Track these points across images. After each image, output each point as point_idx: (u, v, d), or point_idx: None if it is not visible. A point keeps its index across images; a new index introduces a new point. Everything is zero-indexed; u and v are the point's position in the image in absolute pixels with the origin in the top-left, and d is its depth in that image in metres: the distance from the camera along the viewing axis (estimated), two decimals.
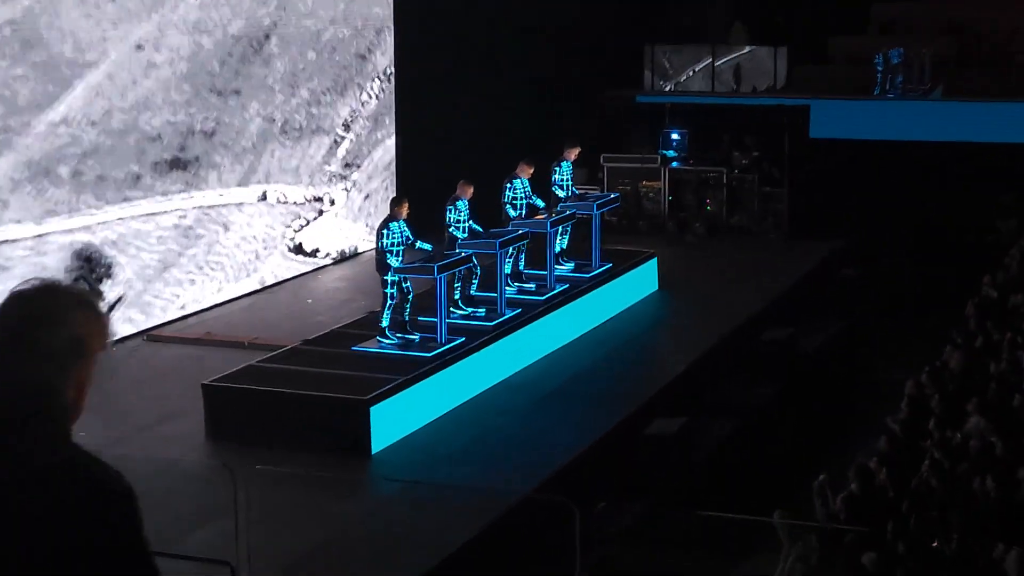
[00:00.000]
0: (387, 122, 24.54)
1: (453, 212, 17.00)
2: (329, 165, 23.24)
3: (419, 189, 20.23)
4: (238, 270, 21.14)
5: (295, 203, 22.50)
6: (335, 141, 23.31)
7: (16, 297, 3.06)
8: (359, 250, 23.52)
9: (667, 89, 28.93)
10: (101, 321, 3.13)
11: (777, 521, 12.40)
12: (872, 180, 25.24)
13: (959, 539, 11.43)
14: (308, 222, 22.86)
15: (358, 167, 23.94)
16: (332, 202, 23.38)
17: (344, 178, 23.61)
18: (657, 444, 15.57)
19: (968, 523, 11.71)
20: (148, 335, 18.73)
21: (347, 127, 23.52)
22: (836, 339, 20.93)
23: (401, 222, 15.98)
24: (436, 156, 23.06)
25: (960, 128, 24.83)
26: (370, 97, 23.94)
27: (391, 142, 24.49)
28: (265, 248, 21.78)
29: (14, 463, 2.94)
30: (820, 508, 12.92)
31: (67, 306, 3.06)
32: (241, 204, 21.16)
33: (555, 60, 25.86)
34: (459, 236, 17.03)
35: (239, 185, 21.14)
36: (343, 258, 23.42)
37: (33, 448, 2.98)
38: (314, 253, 22.99)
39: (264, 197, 21.69)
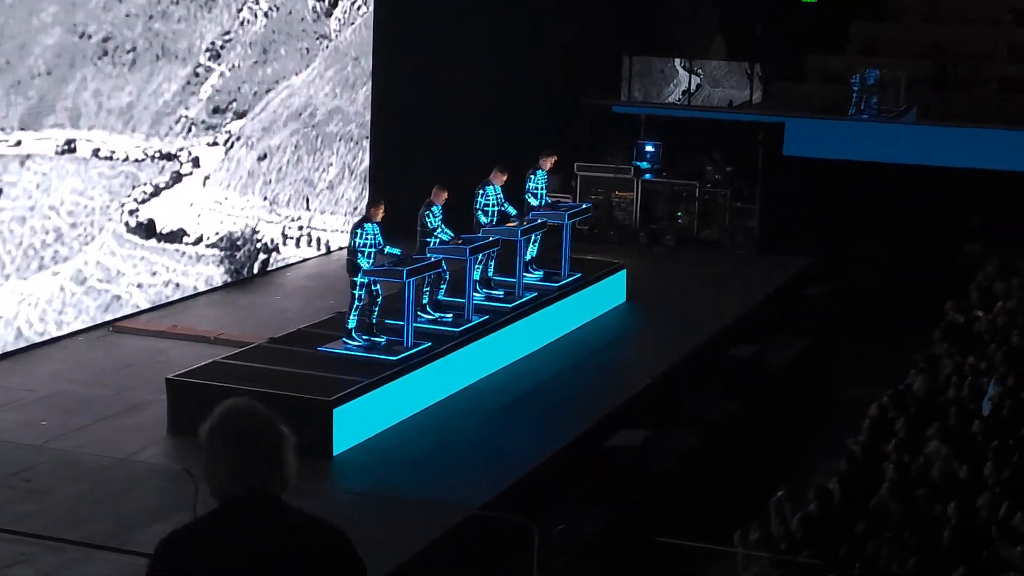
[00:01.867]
0: (283, 53, 20.39)
1: (431, 218, 16.99)
2: (186, 108, 18.75)
3: (392, 192, 20.22)
4: (24, 258, 16.81)
5: (128, 160, 17.71)
6: (194, 74, 18.75)
7: (233, 411, 4.16)
8: (266, 240, 21.34)
9: (642, 100, 28.98)
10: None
11: (736, 547, 12.42)
12: (843, 199, 25.37)
13: (916, 563, 11.49)
14: (157, 190, 18.38)
15: (239, 115, 19.96)
16: (196, 162, 19.21)
17: (213, 128, 19.19)
18: (620, 456, 15.59)
19: (925, 547, 11.77)
20: (114, 326, 18.66)
21: (215, 55, 19.15)
22: (801, 357, 21.01)
23: (375, 224, 15.96)
24: (410, 160, 23.05)
25: (932, 152, 24.95)
26: (254, 17, 19.36)
27: (297, 83, 20.52)
28: (76, 225, 17.36)
29: (272, 525, 4.08)
30: (777, 525, 12.96)
31: (266, 418, 4.18)
32: (28, 157, 16.51)
33: (533, 67, 25.87)
34: (441, 238, 17.01)
35: (22, 128, 16.38)
36: (229, 248, 20.09)
37: (280, 513, 4.11)
38: (178, 237, 18.94)
39: (71, 148, 16.89)
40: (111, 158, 17.57)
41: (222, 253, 20.58)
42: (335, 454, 14.62)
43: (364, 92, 23.77)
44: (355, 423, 14.94)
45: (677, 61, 29.31)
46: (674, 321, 20.27)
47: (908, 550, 11.74)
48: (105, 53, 17.08)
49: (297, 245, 22.57)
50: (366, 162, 24.10)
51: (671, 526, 13.95)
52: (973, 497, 12.52)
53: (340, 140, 23.33)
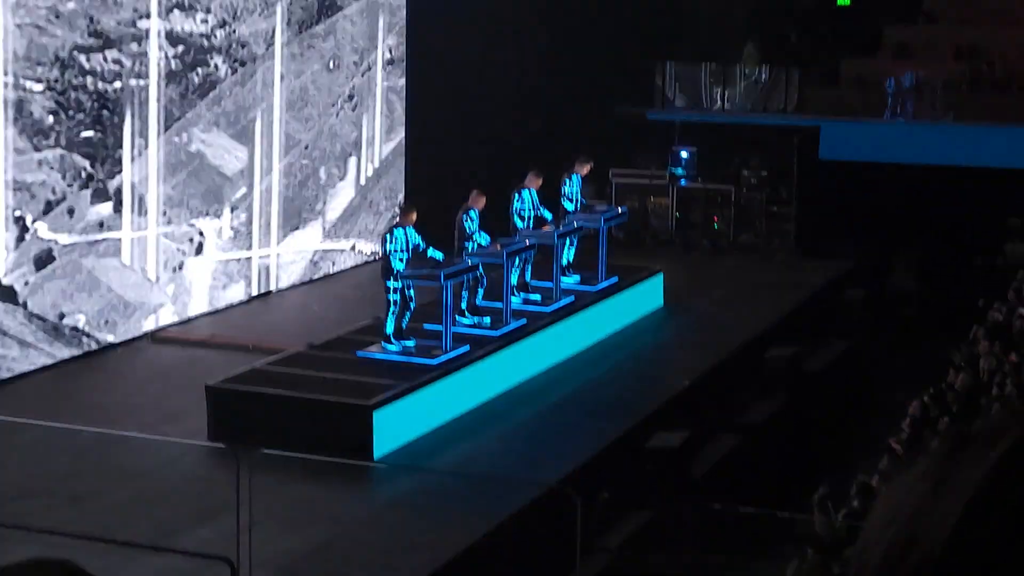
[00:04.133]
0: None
1: (469, 222, 17.02)
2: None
3: (427, 196, 20.26)
4: None
5: None
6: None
7: None
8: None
9: (679, 106, 28.95)
10: None
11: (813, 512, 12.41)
12: (880, 202, 25.26)
13: None
14: None
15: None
16: None
17: None
18: (659, 457, 15.57)
19: None
20: (153, 336, 18.76)
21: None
22: (840, 359, 20.93)
23: (409, 229, 15.99)
24: (446, 165, 23.08)
25: (969, 152, 24.84)
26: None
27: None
28: None
29: None
30: (821, 521, 12.91)
31: None
32: None
33: (568, 73, 25.89)
34: (479, 243, 17.03)
35: None
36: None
37: None
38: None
39: None
40: None
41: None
42: (376, 458, 14.65)
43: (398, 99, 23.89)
44: (395, 427, 14.97)
45: (710, 76, 29.24)
46: (711, 324, 20.23)
47: None
48: None
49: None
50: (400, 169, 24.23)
51: (712, 525, 13.93)
52: None
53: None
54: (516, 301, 18.16)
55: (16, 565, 2.47)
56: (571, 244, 19.60)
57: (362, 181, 23.44)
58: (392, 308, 16.14)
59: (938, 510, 1.08)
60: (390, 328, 16.24)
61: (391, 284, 16.02)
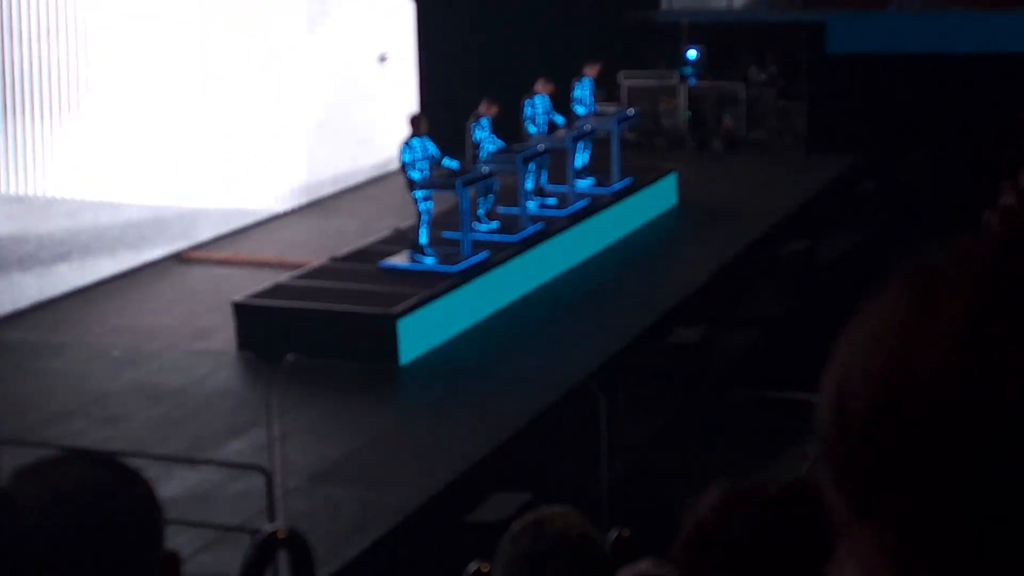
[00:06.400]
0: None
1: (479, 130, 17.19)
2: None
3: (440, 108, 20.38)
4: None
5: None
6: None
7: None
8: None
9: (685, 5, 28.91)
10: None
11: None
12: (891, 94, 25.27)
13: None
14: None
15: None
16: None
17: None
18: (679, 352, 15.82)
19: None
20: (179, 256, 19.00)
21: None
22: (855, 251, 21.09)
23: (425, 138, 16.16)
24: (456, 75, 23.15)
25: (980, 39, 24.77)
26: None
27: None
28: None
29: None
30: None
31: None
32: None
33: None
34: (489, 150, 17.22)
35: None
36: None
37: None
38: None
39: None
40: None
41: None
42: (401, 364, 14.94)
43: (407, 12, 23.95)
44: (419, 334, 15.24)
45: None
46: (726, 221, 20.39)
47: None
48: None
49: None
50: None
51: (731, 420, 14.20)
52: None
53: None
54: (532, 206, 18.37)
55: (59, 457, 2.59)
56: (584, 147, 19.77)
57: None
58: (424, 217, 16.31)
59: (930, 327, 0.98)
60: (424, 239, 16.41)
61: (419, 194, 16.18)
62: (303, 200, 21.52)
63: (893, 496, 0.96)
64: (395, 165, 17.41)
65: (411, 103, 24.02)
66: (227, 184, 20.09)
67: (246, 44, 20.27)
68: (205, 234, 19.60)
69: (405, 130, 16.44)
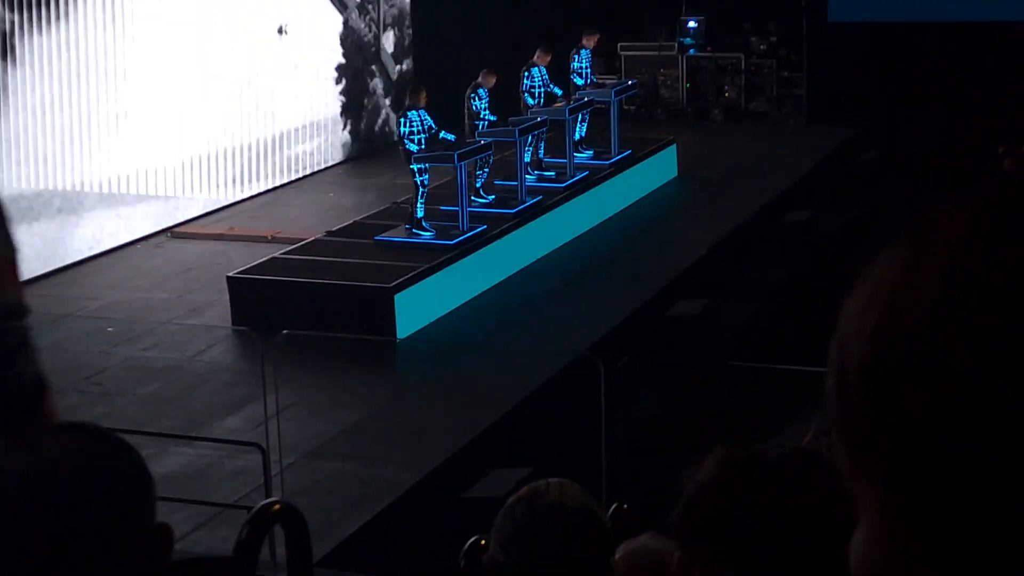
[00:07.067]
0: None
1: (476, 101, 16.99)
2: None
3: (436, 79, 20.17)
4: None
5: None
6: None
7: None
8: None
9: None
10: None
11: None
12: (893, 63, 25.06)
13: None
14: None
15: None
16: None
17: None
18: (680, 325, 15.65)
19: None
20: (172, 232, 18.84)
21: None
22: (857, 221, 20.91)
23: (422, 111, 15.94)
24: (452, 46, 22.94)
25: (984, 6, 24.54)
26: None
27: None
28: None
29: None
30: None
31: None
32: None
33: None
34: (486, 122, 17.02)
35: None
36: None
37: None
38: None
39: None
40: None
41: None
42: (398, 339, 14.77)
43: None
44: (417, 309, 15.06)
45: None
46: (727, 192, 20.22)
47: None
48: None
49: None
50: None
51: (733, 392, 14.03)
52: None
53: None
54: (531, 179, 18.18)
55: (44, 427, 2.56)
56: (583, 119, 19.56)
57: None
58: (420, 190, 16.11)
59: (914, 282, 1.00)
60: (421, 212, 16.21)
61: (416, 167, 15.97)
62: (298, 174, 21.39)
63: (883, 451, 0.98)
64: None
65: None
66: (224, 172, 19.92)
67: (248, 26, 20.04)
68: (198, 209, 19.45)
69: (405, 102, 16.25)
